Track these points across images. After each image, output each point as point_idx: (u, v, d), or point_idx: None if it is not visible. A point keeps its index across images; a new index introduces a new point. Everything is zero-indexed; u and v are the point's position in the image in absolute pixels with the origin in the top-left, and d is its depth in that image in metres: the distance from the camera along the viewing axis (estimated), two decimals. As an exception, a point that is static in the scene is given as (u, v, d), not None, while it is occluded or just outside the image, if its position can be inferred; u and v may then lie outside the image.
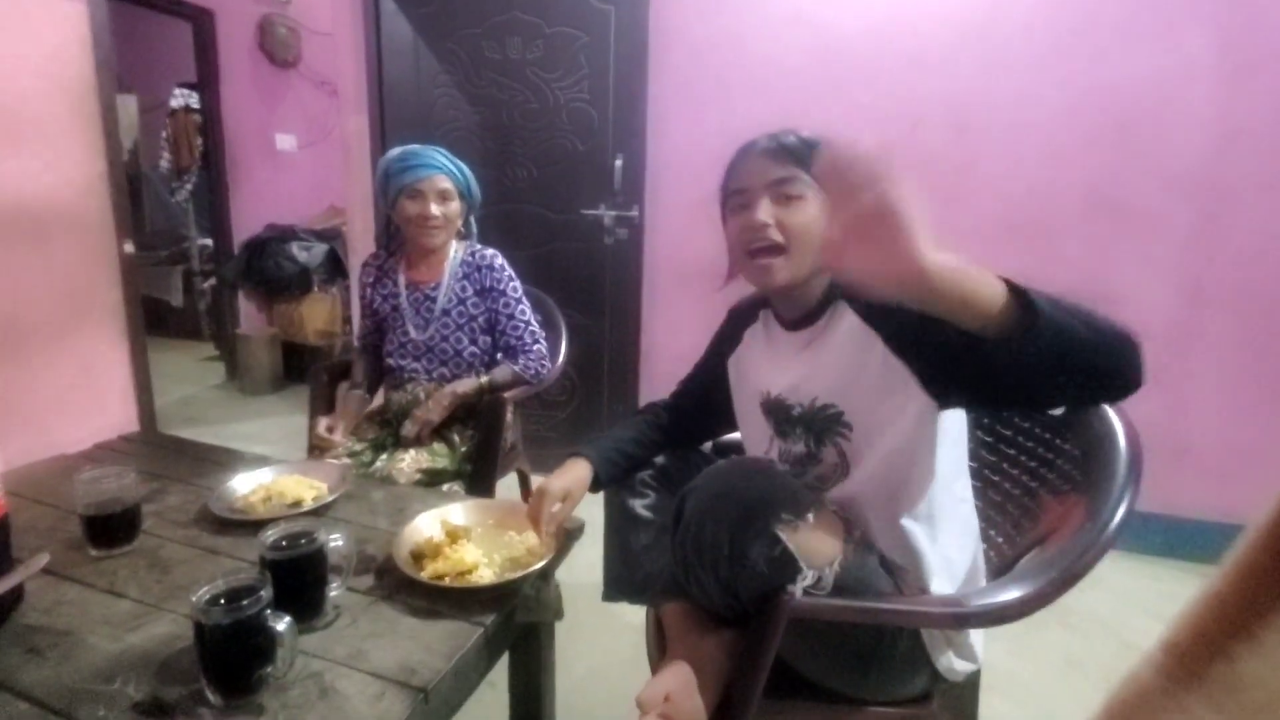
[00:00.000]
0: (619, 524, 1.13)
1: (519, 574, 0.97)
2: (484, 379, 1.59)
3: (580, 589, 1.36)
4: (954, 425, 0.94)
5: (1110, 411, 0.92)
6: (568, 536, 1.09)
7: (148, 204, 5.08)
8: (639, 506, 1.11)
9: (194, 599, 0.73)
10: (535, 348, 1.65)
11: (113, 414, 1.87)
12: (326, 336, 4.15)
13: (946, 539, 0.92)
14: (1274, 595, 0.25)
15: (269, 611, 0.73)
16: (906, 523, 0.91)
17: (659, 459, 1.17)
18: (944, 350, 0.77)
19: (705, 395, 1.21)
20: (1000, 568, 1.01)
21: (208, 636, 0.71)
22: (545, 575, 1.02)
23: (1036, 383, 0.71)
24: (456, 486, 1.53)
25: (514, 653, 1.10)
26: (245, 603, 0.72)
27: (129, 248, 1.88)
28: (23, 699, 0.74)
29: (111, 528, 1.04)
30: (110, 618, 0.88)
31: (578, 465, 1.09)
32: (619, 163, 2.45)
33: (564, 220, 2.57)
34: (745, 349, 1.13)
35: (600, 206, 2.51)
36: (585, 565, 1.23)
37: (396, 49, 2.60)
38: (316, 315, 4.13)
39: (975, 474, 1.08)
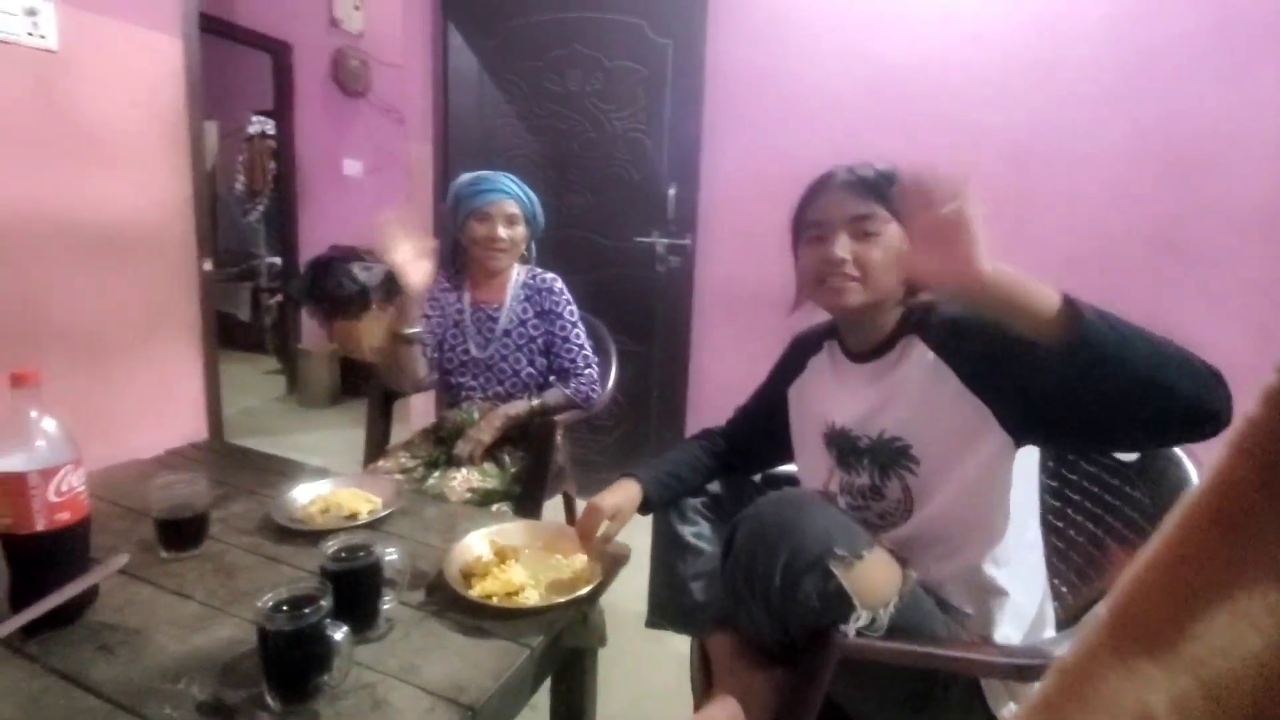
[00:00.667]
0: (666, 550, 1.13)
1: (567, 597, 0.97)
2: (535, 402, 1.62)
3: (625, 616, 1.35)
4: (1027, 465, 0.91)
5: (1184, 458, 0.88)
6: (614, 563, 1.09)
7: (221, 223, 5.37)
8: (688, 534, 1.11)
9: (258, 605, 0.75)
10: (587, 372, 1.67)
11: (184, 423, 1.96)
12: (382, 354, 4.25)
13: (1015, 584, 0.89)
14: (1210, 556, 0.26)
15: (329, 621, 0.75)
16: (975, 564, 0.89)
17: (711, 487, 1.17)
18: (1018, 382, 0.77)
19: (763, 422, 1.20)
20: (1065, 619, 0.97)
21: (270, 642, 0.73)
22: (591, 600, 1.02)
23: (1107, 405, 0.69)
24: (505, 507, 1.55)
25: (557, 677, 1.10)
26: (307, 611, 0.74)
27: (208, 265, 1.99)
28: (93, 694, 0.78)
29: (182, 531, 1.08)
30: (177, 619, 0.92)
31: (628, 485, 1.09)
32: (673, 192, 2.48)
33: (618, 247, 2.61)
34: (809, 378, 1.13)
35: (653, 234, 2.54)
36: (630, 592, 1.23)
37: (462, 80, 2.71)
38: (374, 333, 4.26)
39: (1039, 518, 1.04)
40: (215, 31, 3.70)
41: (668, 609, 1.13)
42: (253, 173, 5.17)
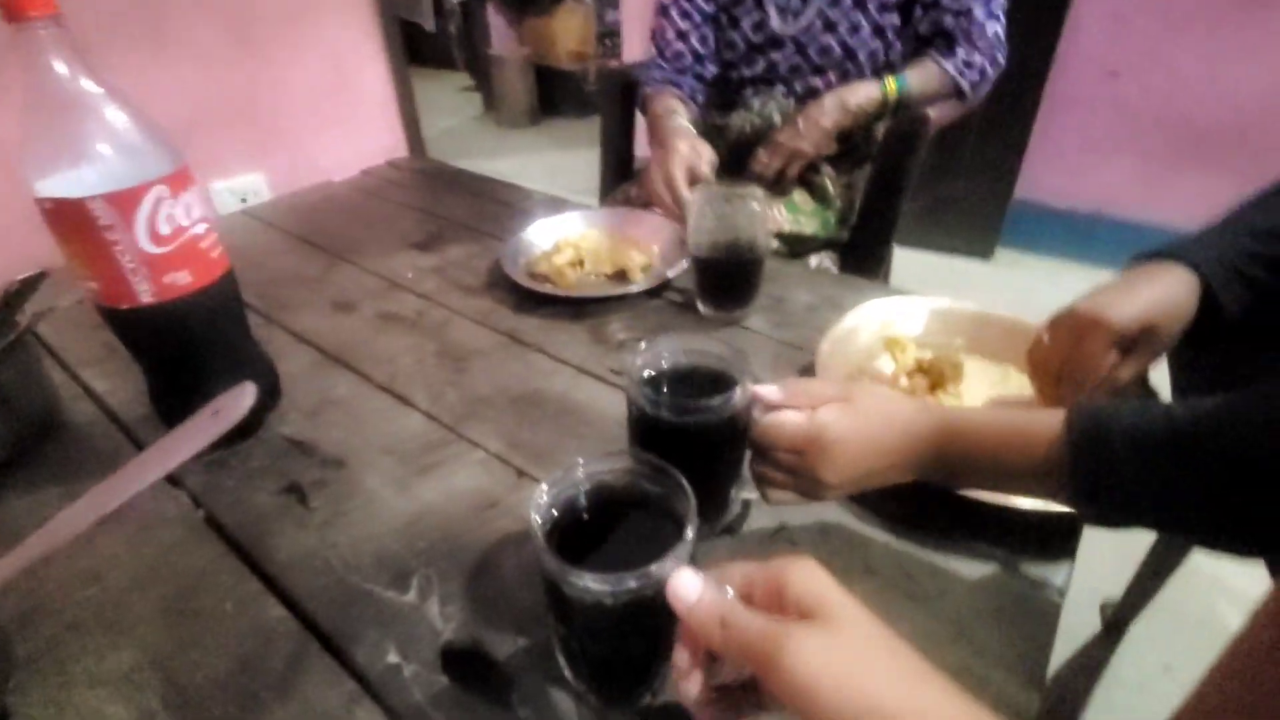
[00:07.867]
0: None
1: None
2: (891, 83, 0.96)
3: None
4: None
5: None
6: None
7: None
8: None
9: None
10: (990, 27, 0.95)
11: (375, 135, 1.60)
12: (579, 58, 3.70)
13: None
14: None
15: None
16: None
17: None
18: None
19: None
20: None
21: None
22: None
23: None
24: (827, 260, 1.01)
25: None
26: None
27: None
28: (279, 598, 0.44)
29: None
30: (395, 442, 0.56)
31: (1169, 276, 0.48)
32: None
33: None
34: None
35: None
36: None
37: None
38: (569, 32, 3.68)
39: None
40: None
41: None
42: None
